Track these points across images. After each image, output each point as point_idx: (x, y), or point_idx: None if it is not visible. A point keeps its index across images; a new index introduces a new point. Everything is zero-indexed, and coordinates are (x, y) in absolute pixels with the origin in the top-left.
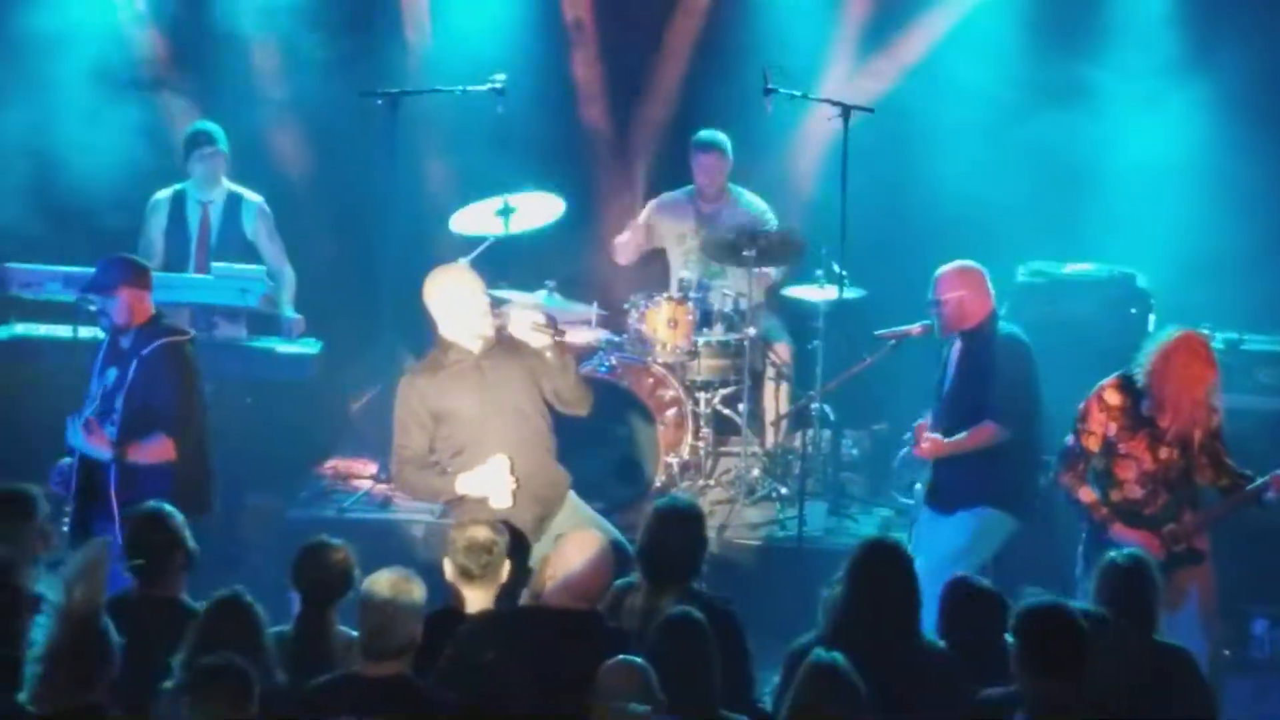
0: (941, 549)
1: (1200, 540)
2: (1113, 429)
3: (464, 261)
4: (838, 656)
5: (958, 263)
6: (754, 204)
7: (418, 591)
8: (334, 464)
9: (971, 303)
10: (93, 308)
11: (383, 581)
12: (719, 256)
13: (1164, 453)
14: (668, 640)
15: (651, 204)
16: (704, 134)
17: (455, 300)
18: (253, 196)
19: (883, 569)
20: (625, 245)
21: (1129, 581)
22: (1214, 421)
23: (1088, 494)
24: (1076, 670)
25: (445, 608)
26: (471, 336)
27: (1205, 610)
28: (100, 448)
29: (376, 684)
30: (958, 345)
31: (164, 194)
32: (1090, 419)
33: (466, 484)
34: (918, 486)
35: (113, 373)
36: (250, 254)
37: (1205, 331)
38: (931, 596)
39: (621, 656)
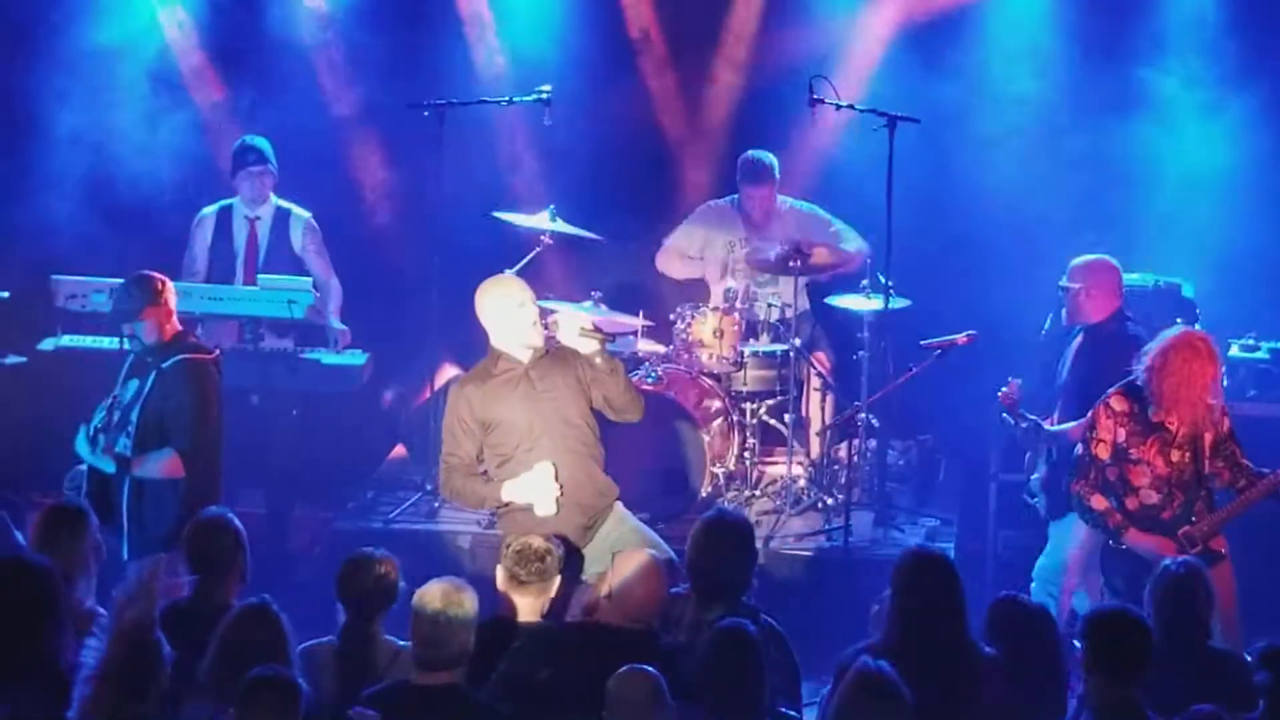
0: (1057, 552)
1: (1217, 541)
2: (1122, 435)
3: (511, 273)
4: (883, 665)
5: (1092, 256)
6: (803, 206)
7: (469, 603)
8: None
9: (1089, 300)
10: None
11: (435, 592)
12: (769, 269)
13: (1175, 455)
14: (719, 651)
15: (697, 212)
16: (754, 163)
17: (506, 311)
18: (301, 212)
19: (926, 578)
20: (670, 258)
21: (1182, 588)
22: (1225, 424)
23: (1100, 501)
24: (1144, 672)
25: (495, 617)
26: (521, 347)
27: (1224, 613)
28: (105, 459)
29: (428, 693)
30: (1079, 339)
31: (210, 210)
32: (1099, 426)
33: (512, 491)
34: (1035, 478)
35: (133, 384)
36: (298, 270)
37: (1252, 339)
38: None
39: (633, 665)
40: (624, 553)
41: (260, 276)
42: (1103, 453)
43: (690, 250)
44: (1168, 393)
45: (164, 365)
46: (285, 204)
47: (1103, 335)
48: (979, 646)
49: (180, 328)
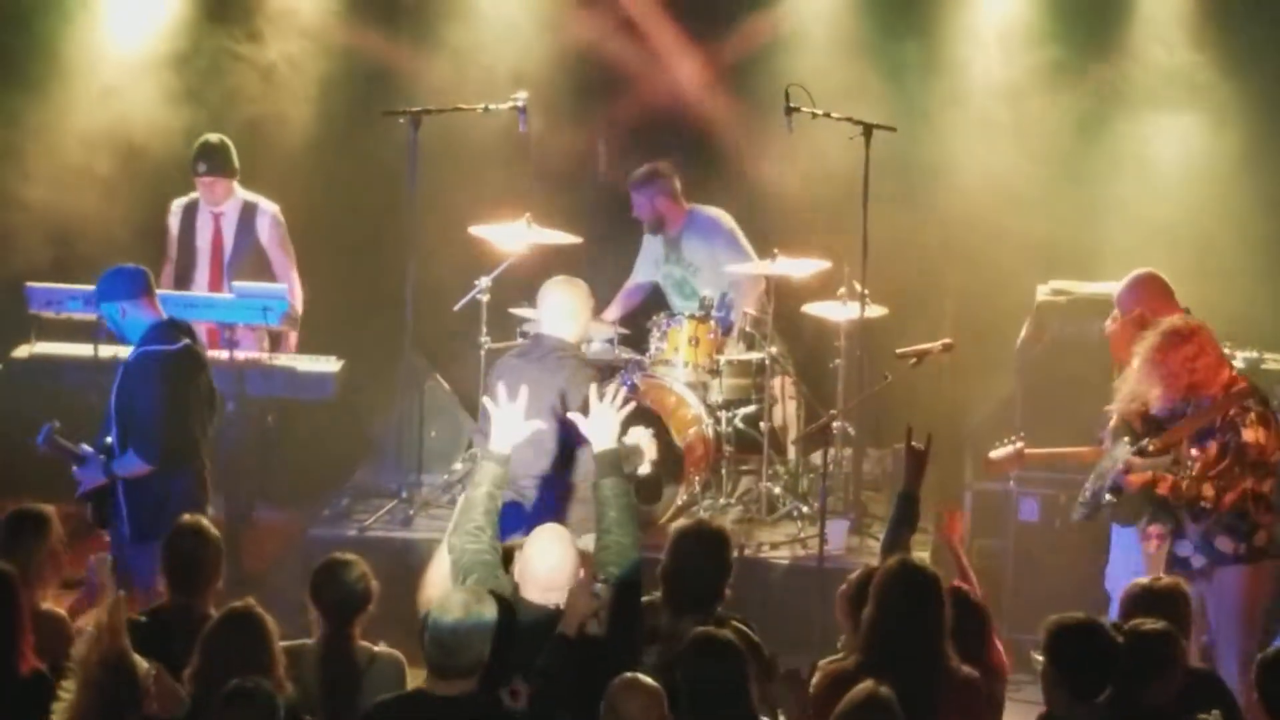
0: (1131, 558)
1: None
2: None
3: (487, 280)
4: (885, 690)
5: (1132, 275)
6: (708, 219)
7: (489, 611)
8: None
9: (1154, 314)
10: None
11: (455, 600)
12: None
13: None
14: (697, 660)
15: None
16: (633, 174)
17: (587, 310)
18: (268, 205)
19: (912, 596)
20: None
21: (1161, 605)
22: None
23: None
24: (1107, 687)
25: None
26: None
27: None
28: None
29: (445, 703)
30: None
31: (179, 202)
32: None
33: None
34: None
35: (116, 381)
36: (265, 264)
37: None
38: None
39: (631, 675)
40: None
41: (234, 284)
42: None
43: (642, 288)
44: None
45: (130, 359)
46: (252, 197)
47: None
48: (959, 665)
49: (155, 320)
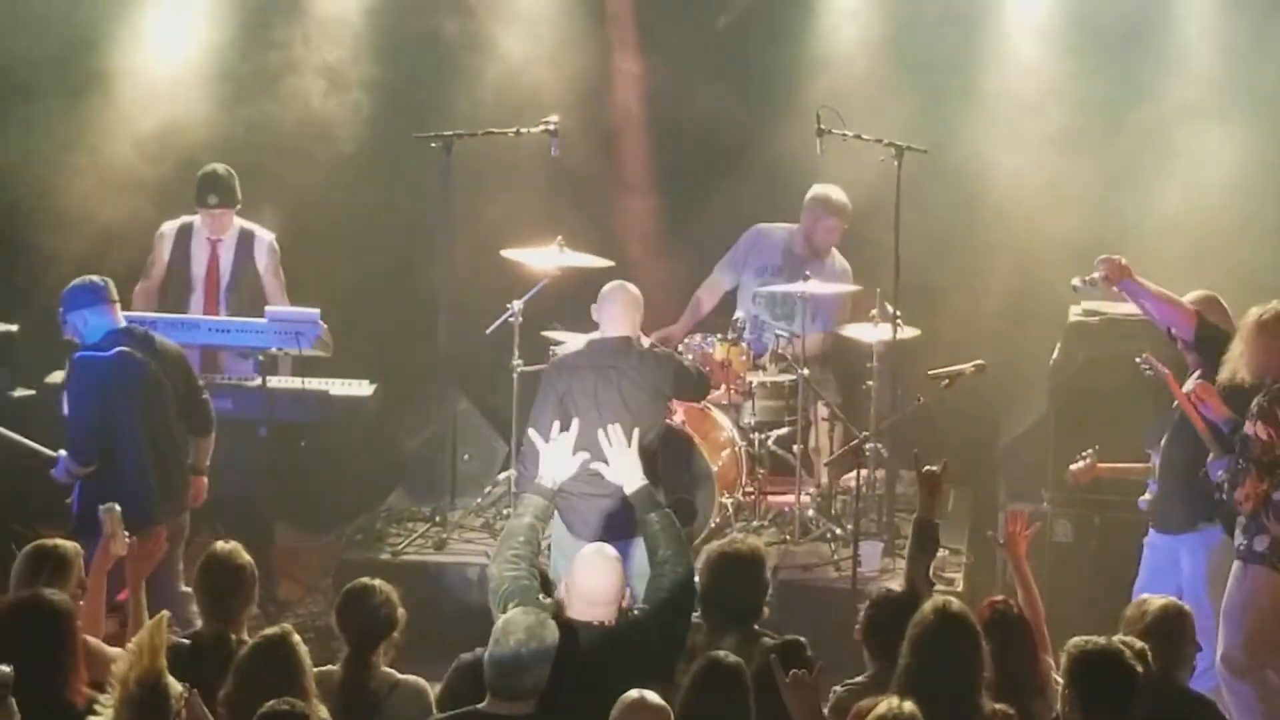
0: (1178, 576)
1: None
2: None
3: (519, 304)
4: (910, 707)
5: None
6: (843, 268)
7: (551, 636)
8: None
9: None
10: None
11: (519, 623)
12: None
13: None
14: (702, 685)
15: (743, 240)
16: (835, 196)
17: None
18: (264, 234)
19: (948, 643)
20: (714, 284)
21: (1163, 624)
22: None
23: None
24: (1126, 713)
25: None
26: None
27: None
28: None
29: None
30: (1196, 373)
31: (170, 226)
32: None
33: None
34: (1146, 497)
35: None
36: (260, 292)
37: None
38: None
39: (638, 694)
40: (581, 551)
41: (268, 309)
42: None
43: (725, 285)
44: None
45: (68, 364)
46: (249, 226)
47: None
48: (992, 705)
49: (114, 327)
